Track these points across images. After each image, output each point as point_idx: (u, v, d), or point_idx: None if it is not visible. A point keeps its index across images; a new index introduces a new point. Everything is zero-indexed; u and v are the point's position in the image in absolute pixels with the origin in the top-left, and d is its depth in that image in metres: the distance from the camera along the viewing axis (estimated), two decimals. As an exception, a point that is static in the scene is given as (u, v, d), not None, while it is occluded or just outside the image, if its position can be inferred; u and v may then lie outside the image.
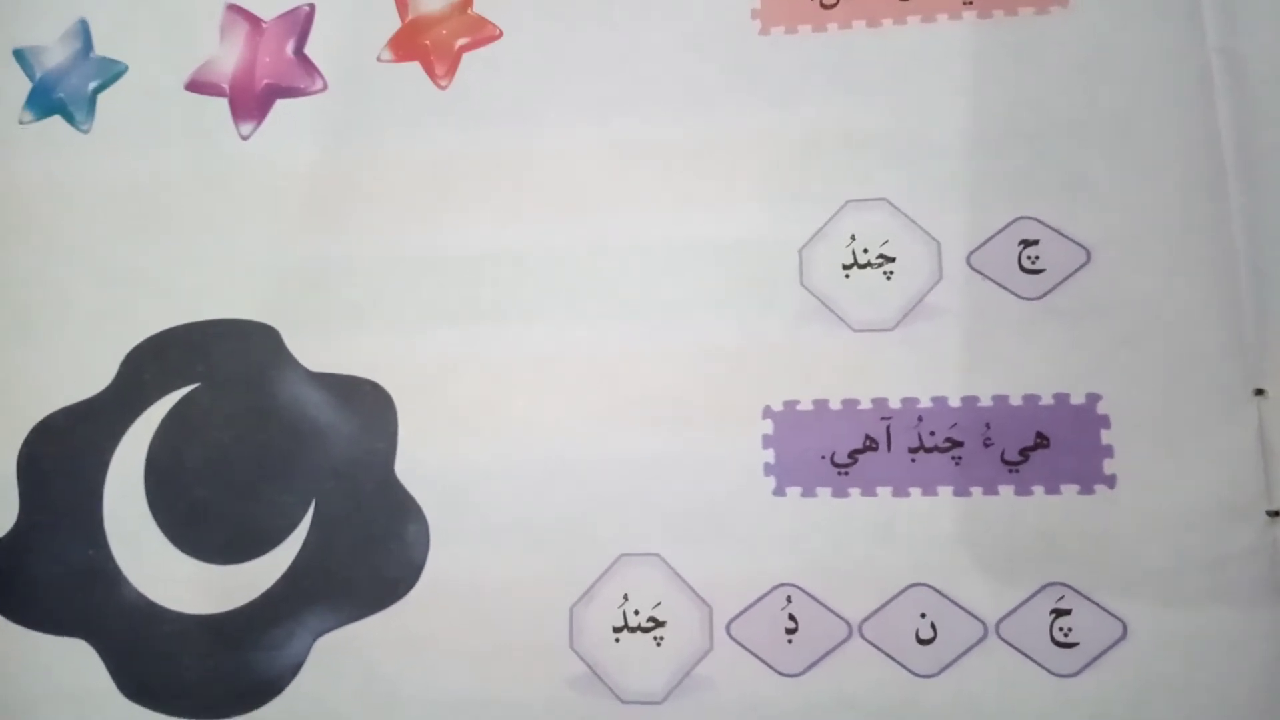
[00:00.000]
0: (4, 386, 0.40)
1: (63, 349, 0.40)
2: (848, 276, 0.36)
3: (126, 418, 0.38)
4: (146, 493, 0.38)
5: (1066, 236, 0.35)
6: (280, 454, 0.37)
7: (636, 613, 0.34)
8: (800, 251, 0.37)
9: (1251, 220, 0.34)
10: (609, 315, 0.37)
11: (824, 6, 0.39)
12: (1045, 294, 0.34)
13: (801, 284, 0.36)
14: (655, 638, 0.34)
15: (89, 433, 0.38)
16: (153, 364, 0.39)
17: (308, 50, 0.42)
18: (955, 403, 0.34)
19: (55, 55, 0.43)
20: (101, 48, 0.43)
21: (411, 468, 0.36)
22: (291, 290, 0.39)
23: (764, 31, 0.39)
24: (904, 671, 0.32)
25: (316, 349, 0.38)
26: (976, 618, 0.32)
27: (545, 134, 0.39)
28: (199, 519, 0.37)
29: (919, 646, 0.32)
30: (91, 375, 0.39)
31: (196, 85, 0.42)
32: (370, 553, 0.36)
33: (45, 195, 0.42)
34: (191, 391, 0.39)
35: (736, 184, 0.38)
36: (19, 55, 0.43)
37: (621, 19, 0.40)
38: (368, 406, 0.37)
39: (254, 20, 0.42)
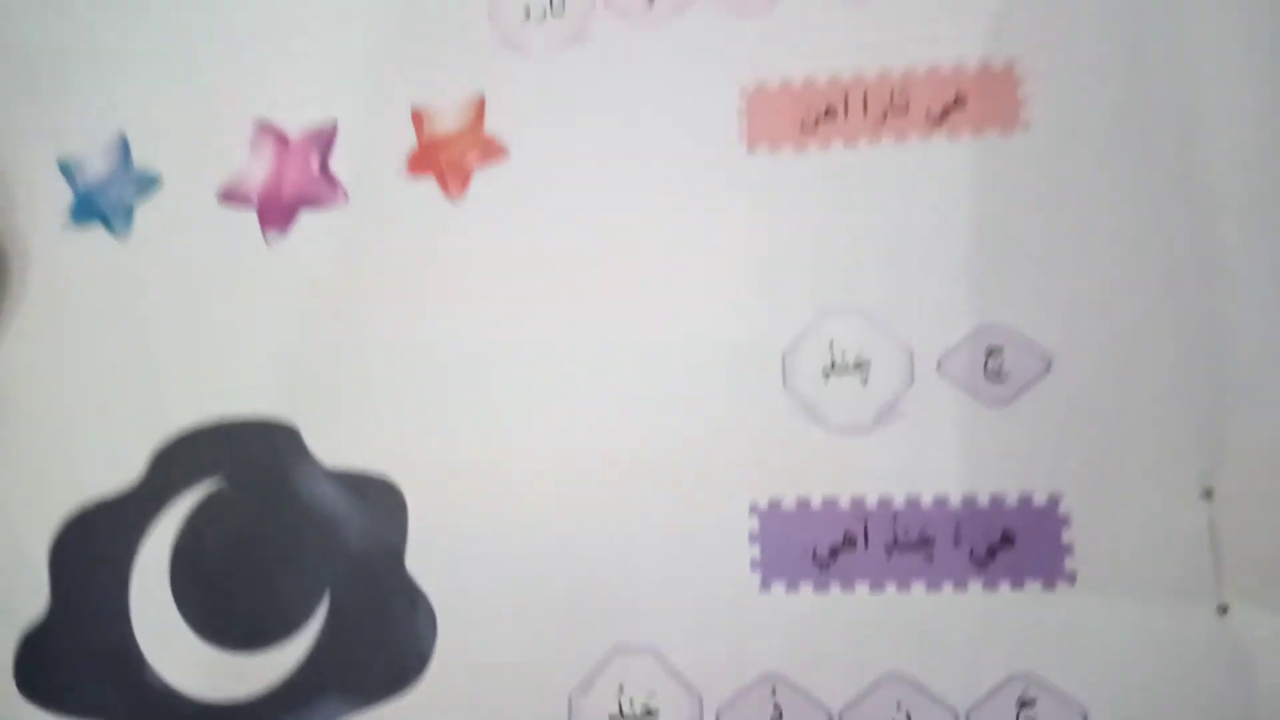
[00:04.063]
0: (38, 476, 0.43)
1: (95, 440, 0.43)
2: (827, 380, 0.39)
3: (154, 510, 0.41)
4: (171, 582, 0.40)
5: (1029, 344, 0.38)
6: (297, 547, 0.40)
7: (631, 702, 0.36)
8: (783, 355, 0.39)
9: (1207, 328, 0.37)
10: (606, 409, 0.40)
11: (804, 129, 0.42)
12: (1009, 400, 0.37)
13: (785, 386, 0.39)
14: (649, 725, 0.36)
15: (119, 524, 0.41)
16: (180, 460, 0.42)
17: (331, 165, 0.45)
18: (927, 503, 0.36)
19: (97, 166, 0.47)
20: (140, 160, 0.46)
21: (421, 559, 0.39)
22: (310, 390, 0.42)
23: (751, 148, 0.42)
24: (882, 758, 0.34)
25: (333, 446, 0.41)
26: (948, 707, 0.34)
27: (548, 239, 0.42)
28: (220, 608, 0.39)
29: (896, 734, 0.34)
30: (122, 466, 0.42)
31: (227, 197, 0.45)
32: (381, 642, 0.38)
33: (83, 296, 0.45)
34: (215, 486, 0.41)
35: (724, 289, 0.41)
36: (64, 167, 0.47)
37: (619, 137, 0.43)
38: (380, 502, 0.39)
39: (282, 136, 0.46)
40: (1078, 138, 0.40)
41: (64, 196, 0.46)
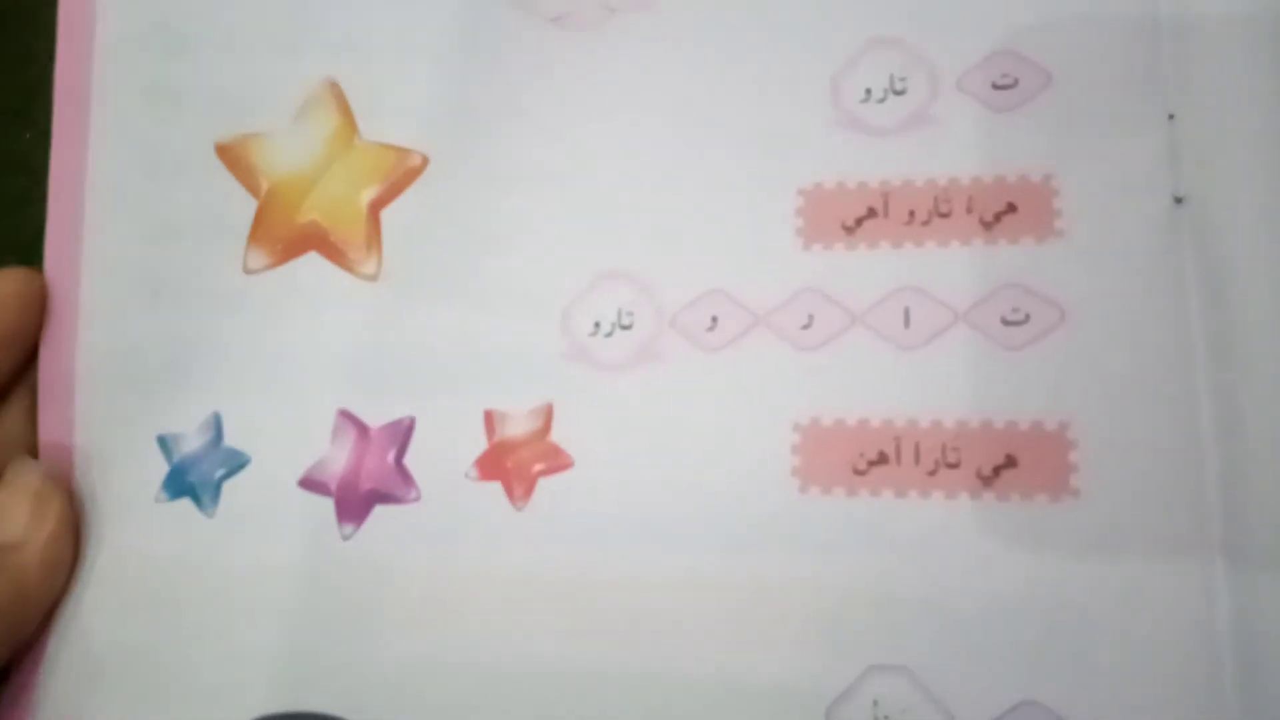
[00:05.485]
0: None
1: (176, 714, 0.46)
2: (869, 740, 0.40)
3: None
4: None
5: (1068, 723, 0.39)
6: None
7: None
8: (827, 710, 0.41)
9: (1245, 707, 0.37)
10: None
11: (856, 473, 0.44)
12: (1047, 786, 0.38)
13: (828, 741, 0.40)
14: None
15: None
16: (247, 750, 0.44)
17: (406, 460, 0.48)
18: None
19: (191, 443, 0.50)
20: (231, 439, 0.50)
21: None
22: (376, 690, 0.44)
23: (803, 489, 0.44)
24: None
25: (391, 748, 0.43)
26: None
27: (608, 561, 0.45)
28: None
29: None
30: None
31: (308, 483, 0.48)
32: None
33: (171, 572, 0.48)
34: (282, 780, 0.44)
35: (774, 633, 0.42)
36: (161, 441, 0.50)
37: (683, 467, 0.45)
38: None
39: (361, 427, 0.49)
40: (1128, 507, 0.41)
41: (160, 470, 0.50)
